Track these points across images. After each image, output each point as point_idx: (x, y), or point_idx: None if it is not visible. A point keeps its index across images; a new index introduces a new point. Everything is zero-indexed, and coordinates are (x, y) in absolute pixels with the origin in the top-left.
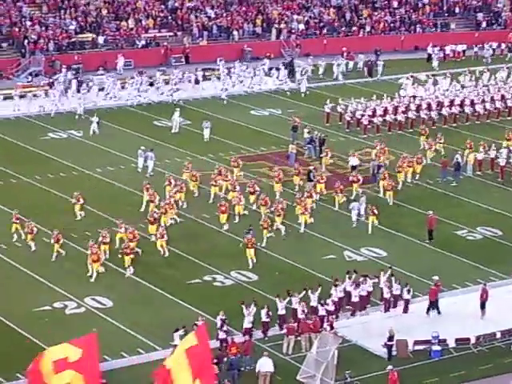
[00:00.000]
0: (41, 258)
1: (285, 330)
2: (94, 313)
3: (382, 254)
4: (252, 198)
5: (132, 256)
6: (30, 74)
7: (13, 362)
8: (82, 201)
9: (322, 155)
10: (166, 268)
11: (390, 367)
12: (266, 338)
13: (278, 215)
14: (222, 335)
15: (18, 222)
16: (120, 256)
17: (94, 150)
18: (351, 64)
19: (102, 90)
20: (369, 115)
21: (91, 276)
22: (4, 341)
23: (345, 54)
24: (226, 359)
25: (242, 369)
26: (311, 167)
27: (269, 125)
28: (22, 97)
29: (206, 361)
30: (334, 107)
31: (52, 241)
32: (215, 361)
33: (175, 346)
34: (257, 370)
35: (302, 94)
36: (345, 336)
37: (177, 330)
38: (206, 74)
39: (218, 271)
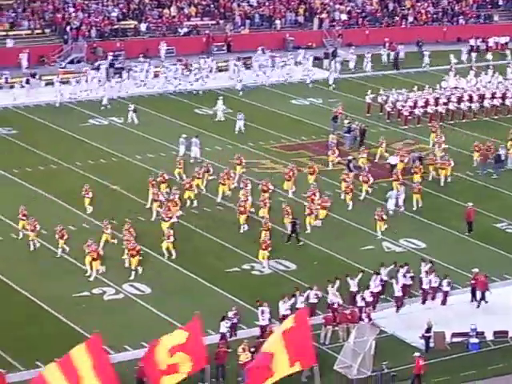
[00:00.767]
0: (80, 244)
1: (323, 320)
2: (132, 299)
3: (420, 245)
4: (265, 195)
5: (139, 257)
6: (72, 61)
7: (52, 347)
8: (90, 194)
9: (361, 147)
10: (205, 256)
11: (416, 354)
12: None
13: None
14: (261, 322)
15: (24, 218)
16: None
17: (135, 136)
18: (393, 55)
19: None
20: (410, 106)
21: (90, 276)
22: (43, 326)
23: (387, 45)
24: None
25: None
26: (350, 157)
27: (309, 114)
28: (63, 83)
29: (305, 343)
30: (375, 98)
31: (56, 236)
32: (252, 349)
33: (221, 333)
34: None
35: (330, 87)
36: (382, 327)
37: (223, 319)
38: (247, 62)
39: (256, 260)
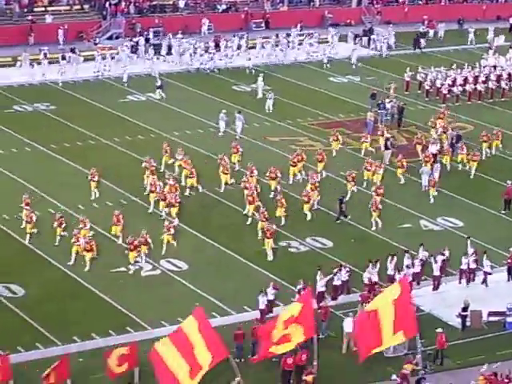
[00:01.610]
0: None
1: (359, 298)
2: (169, 275)
3: (458, 223)
4: (273, 183)
5: (135, 253)
6: (111, 37)
7: (89, 322)
8: (96, 178)
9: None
10: (242, 233)
11: (439, 330)
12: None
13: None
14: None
15: (28, 208)
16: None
17: (173, 113)
18: (432, 32)
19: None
20: (448, 84)
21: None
22: (81, 301)
23: (426, 23)
24: None
25: (320, 336)
26: (388, 135)
27: (347, 92)
28: (102, 59)
29: (409, 313)
30: (413, 75)
31: (55, 224)
32: None
33: (260, 309)
34: (344, 332)
35: (353, 66)
36: (419, 305)
37: (261, 293)
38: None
39: (293, 237)
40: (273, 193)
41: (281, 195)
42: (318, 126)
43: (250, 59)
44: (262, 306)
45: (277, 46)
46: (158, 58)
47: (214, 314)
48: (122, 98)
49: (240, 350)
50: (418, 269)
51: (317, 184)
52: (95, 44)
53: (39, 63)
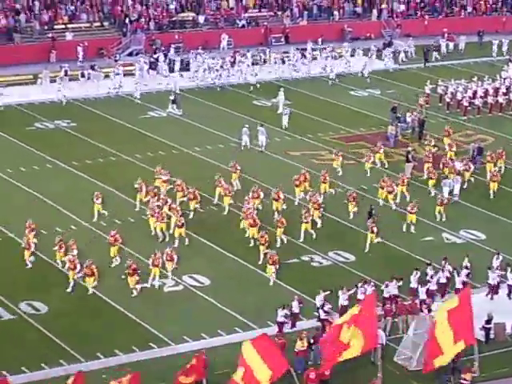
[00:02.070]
0: (142, 234)
1: (382, 312)
2: (192, 291)
3: (480, 236)
4: (276, 204)
5: (137, 277)
6: (131, 53)
7: (112, 338)
8: (100, 200)
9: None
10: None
11: None
12: None
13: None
14: (323, 315)
15: (33, 232)
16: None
17: (193, 128)
18: (451, 45)
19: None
20: (469, 97)
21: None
22: (104, 318)
23: (446, 35)
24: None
25: None
26: (410, 148)
27: (368, 105)
28: (124, 75)
29: (468, 323)
30: (433, 88)
31: (56, 248)
32: (311, 341)
33: (278, 322)
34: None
35: (367, 79)
36: None
37: (282, 308)
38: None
39: (315, 251)
40: (276, 214)
41: (280, 215)
42: (339, 139)
43: (256, 75)
44: (280, 318)
45: (295, 60)
46: (181, 75)
47: (236, 328)
48: (142, 114)
49: None
50: (443, 280)
51: (319, 203)
52: (115, 61)
53: (60, 80)
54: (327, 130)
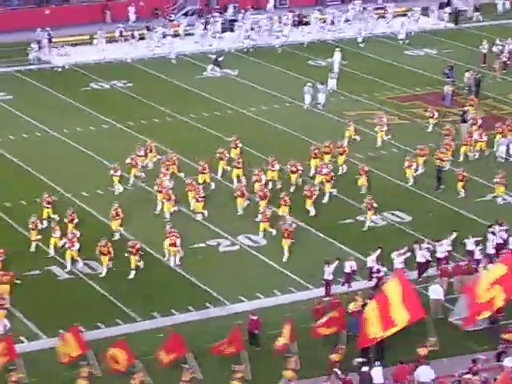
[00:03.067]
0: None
1: (439, 272)
2: (247, 251)
3: None
4: (293, 176)
5: (138, 257)
6: (186, 13)
7: (168, 297)
8: (119, 172)
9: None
10: (320, 207)
11: None
12: (420, 279)
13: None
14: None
15: (49, 206)
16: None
17: (249, 88)
18: (508, 4)
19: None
20: None
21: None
22: (159, 277)
23: None
24: None
25: None
26: (466, 108)
27: (424, 65)
28: (177, 35)
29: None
30: (490, 48)
31: (66, 220)
32: (367, 301)
33: (325, 280)
34: (430, 299)
35: (400, 41)
36: None
37: (327, 263)
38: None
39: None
40: (292, 187)
41: (286, 193)
42: (394, 99)
43: (278, 38)
44: (327, 276)
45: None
46: (233, 35)
47: (291, 288)
48: (198, 74)
49: None
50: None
51: (331, 175)
52: (170, 21)
53: (115, 41)
54: (383, 90)
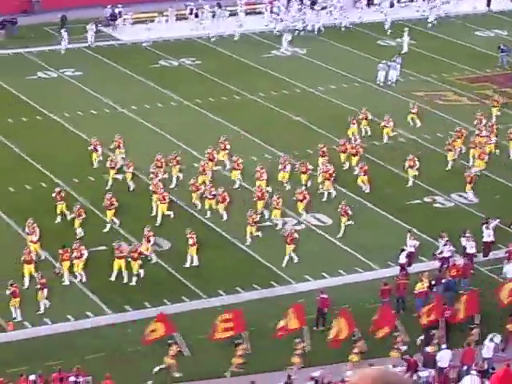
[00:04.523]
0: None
1: (506, 254)
2: (314, 230)
3: None
4: (304, 177)
5: (140, 262)
6: None
7: (233, 275)
8: (131, 169)
9: None
10: (386, 188)
11: None
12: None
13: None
14: (445, 254)
15: (62, 202)
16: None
17: (317, 67)
18: None
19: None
20: None
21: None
22: (225, 255)
23: None
24: (443, 280)
25: (460, 291)
26: None
27: (494, 46)
28: (246, 14)
29: None
30: None
31: (73, 215)
32: (433, 282)
33: (400, 264)
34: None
35: (429, 24)
36: None
37: (402, 250)
38: None
39: (438, 193)
40: (303, 186)
41: (279, 194)
42: (464, 80)
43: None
44: (402, 260)
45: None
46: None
47: (357, 268)
48: (266, 52)
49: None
50: None
51: (331, 173)
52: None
53: (185, 18)
54: (452, 71)
